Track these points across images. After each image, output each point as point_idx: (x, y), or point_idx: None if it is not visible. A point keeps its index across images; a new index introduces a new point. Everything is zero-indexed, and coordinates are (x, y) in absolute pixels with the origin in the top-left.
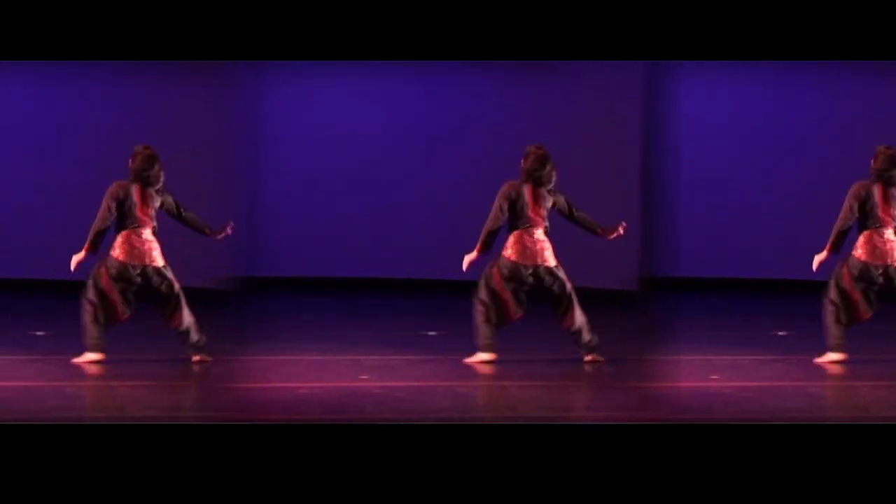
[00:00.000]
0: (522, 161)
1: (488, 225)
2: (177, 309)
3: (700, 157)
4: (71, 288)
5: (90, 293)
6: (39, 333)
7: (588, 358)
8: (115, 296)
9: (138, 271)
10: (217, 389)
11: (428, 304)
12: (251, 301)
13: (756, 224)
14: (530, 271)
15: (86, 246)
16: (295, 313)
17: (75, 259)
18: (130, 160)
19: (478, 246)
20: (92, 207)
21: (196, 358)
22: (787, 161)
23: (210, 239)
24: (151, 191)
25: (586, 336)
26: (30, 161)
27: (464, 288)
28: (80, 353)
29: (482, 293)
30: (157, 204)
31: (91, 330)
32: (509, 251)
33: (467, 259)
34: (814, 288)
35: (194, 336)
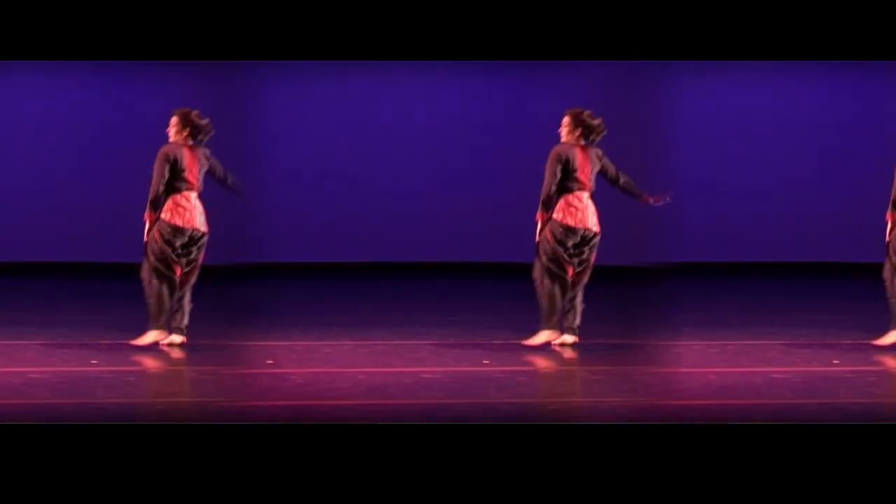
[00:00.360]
0: (566, 127)
1: (546, 190)
2: (189, 279)
3: (700, 157)
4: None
5: (144, 273)
6: None
7: (569, 339)
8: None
9: (186, 234)
10: (351, 373)
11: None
12: (261, 286)
13: (754, 222)
14: (579, 233)
15: (148, 215)
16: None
17: (146, 232)
18: (176, 126)
19: (540, 214)
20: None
21: (178, 340)
22: (787, 160)
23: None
24: (200, 153)
25: (578, 316)
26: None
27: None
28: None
29: (537, 272)
30: (205, 167)
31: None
32: (560, 214)
33: (539, 232)
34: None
35: (186, 317)
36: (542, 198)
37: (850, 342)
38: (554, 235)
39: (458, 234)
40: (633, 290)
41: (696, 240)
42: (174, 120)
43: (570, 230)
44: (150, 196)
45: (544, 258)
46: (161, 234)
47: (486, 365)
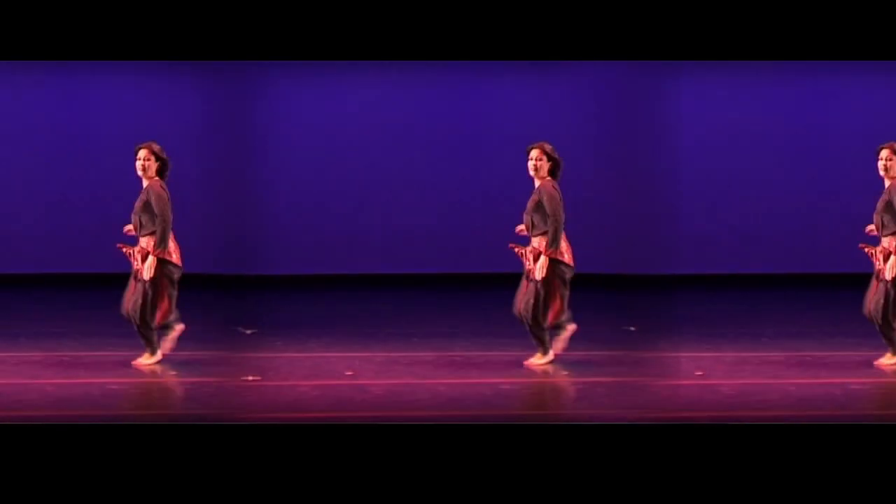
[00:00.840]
0: (540, 161)
1: (561, 228)
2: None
3: (700, 156)
4: (279, 282)
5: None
6: (248, 332)
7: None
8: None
9: (179, 271)
10: (430, 385)
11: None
12: (269, 297)
13: (754, 222)
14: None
15: (161, 252)
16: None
17: (151, 267)
18: (150, 160)
19: (549, 252)
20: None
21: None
22: (787, 160)
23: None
24: None
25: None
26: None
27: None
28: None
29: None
30: None
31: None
32: (566, 256)
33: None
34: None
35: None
36: (555, 235)
37: None
38: (561, 278)
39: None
40: (659, 299)
41: (698, 243)
42: (145, 153)
43: (569, 268)
44: (164, 233)
45: (542, 295)
46: (167, 276)
47: (564, 376)
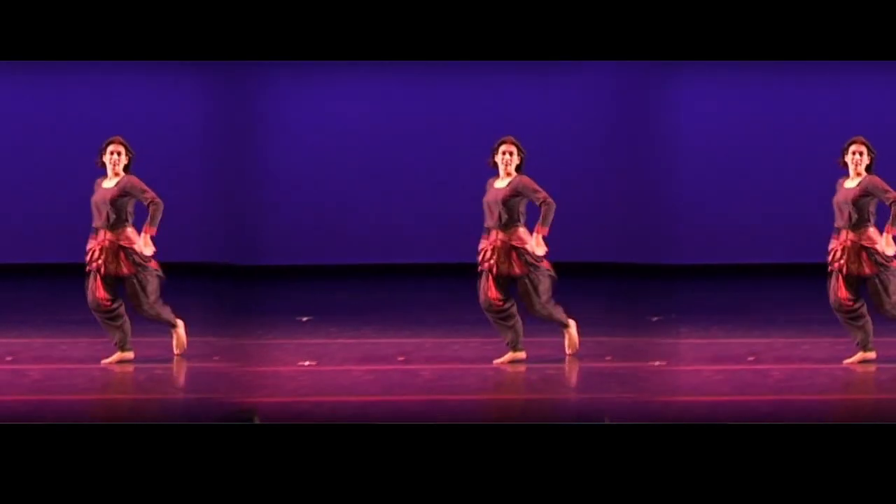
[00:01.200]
0: (514, 155)
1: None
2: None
3: (699, 156)
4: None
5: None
6: (304, 319)
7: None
8: None
9: None
10: (478, 370)
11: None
12: (274, 289)
13: (752, 220)
14: None
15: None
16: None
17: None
18: (123, 154)
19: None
20: None
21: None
22: (785, 160)
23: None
24: None
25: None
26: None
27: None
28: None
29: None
30: None
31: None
32: (541, 250)
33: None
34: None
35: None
36: (549, 214)
37: None
38: (533, 263)
39: None
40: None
41: (697, 241)
42: (117, 148)
43: (534, 257)
44: (158, 213)
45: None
46: (142, 261)
47: (608, 361)
